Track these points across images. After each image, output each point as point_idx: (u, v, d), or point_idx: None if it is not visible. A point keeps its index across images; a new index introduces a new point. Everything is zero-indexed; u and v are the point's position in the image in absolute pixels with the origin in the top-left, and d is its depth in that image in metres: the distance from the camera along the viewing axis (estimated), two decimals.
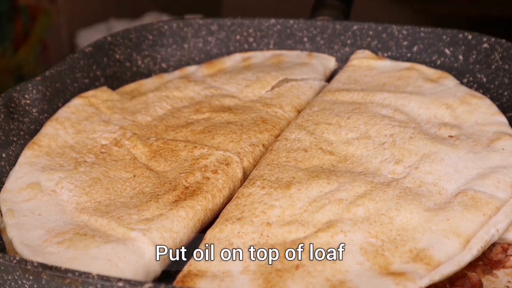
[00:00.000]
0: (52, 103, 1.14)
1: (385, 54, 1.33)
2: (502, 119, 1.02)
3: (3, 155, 1.01)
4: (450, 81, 1.16)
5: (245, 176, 0.97)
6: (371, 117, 1.03)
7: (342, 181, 0.87)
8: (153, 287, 0.63)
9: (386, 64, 1.25)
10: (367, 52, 1.30)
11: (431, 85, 1.14)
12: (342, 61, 1.35)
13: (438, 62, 1.30)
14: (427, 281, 0.71)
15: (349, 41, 1.36)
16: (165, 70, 1.38)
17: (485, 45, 1.23)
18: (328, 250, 0.76)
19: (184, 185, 0.91)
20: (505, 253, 0.81)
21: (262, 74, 1.22)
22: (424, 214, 0.80)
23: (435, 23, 1.39)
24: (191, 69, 1.32)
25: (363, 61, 1.26)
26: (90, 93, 1.17)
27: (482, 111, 1.04)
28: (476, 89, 1.21)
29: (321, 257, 0.75)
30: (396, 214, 0.80)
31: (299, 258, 0.75)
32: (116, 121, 1.10)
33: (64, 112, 1.11)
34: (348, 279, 0.72)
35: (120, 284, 0.64)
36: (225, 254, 0.77)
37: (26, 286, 0.67)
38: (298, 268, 0.74)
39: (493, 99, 1.15)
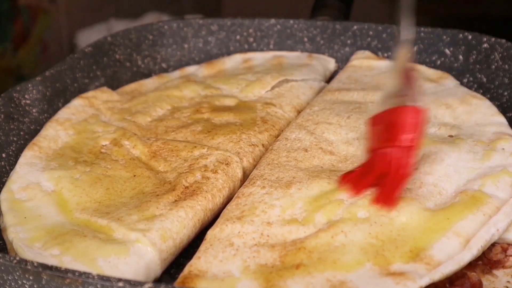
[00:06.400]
0: (52, 103, 1.14)
1: (385, 54, 1.33)
2: (502, 119, 1.02)
3: (3, 155, 1.01)
4: (450, 82, 1.16)
5: (245, 176, 0.97)
6: None
7: None
8: (153, 287, 0.63)
9: (387, 64, 1.25)
10: (367, 53, 1.31)
11: (431, 85, 1.14)
12: (342, 61, 1.35)
13: (438, 62, 1.30)
14: (427, 280, 0.71)
15: (349, 41, 1.36)
16: (165, 70, 1.38)
17: (485, 45, 1.23)
18: (329, 250, 0.76)
19: (184, 185, 0.91)
20: (505, 253, 0.81)
21: (262, 74, 1.23)
22: (424, 214, 0.80)
23: (435, 23, 1.38)
24: (191, 69, 1.32)
25: (364, 61, 1.26)
26: (91, 93, 1.17)
27: (482, 111, 1.04)
28: (476, 89, 1.21)
29: (321, 257, 0.75)
30: (396, 214, 0.80)
31: (300, 258, 0.75)
32: (116, 121, 1.10)
33: (64, 113, 1.11)
34: (349, 279, 0.72)
35: (120, 284, 0.64)
36: (226, 254, 0.77)
37: (26, 286, 0.67)
38: (298, 268, 0.74)
39: (493, 99, 1.15)
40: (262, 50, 1.40)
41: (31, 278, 0.66)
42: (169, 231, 0.83)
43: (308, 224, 0.81)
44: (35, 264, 0.66)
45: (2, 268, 0.68)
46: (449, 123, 1.02)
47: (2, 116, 1.04)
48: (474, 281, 0.77)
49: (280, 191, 0.87)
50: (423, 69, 1.21)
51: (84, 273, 0.65)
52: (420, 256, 0.74)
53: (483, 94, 1.17)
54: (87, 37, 2.19)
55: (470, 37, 1.26)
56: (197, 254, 0.79)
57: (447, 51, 1.29)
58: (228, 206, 0.87)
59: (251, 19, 1.41)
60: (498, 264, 0.81)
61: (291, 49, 1.39)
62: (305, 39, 1.39)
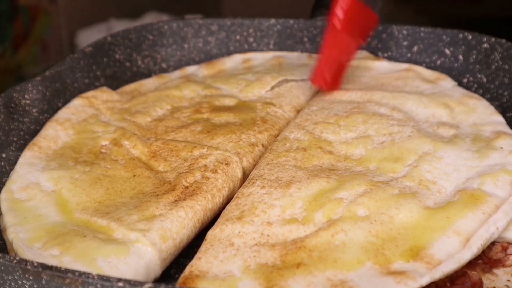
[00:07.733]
0: (52, 103, 1.15)
1: (385, 54, 1.34)
2: (500, 118, 1.02)
3: (3, 155, 1.01)
4: (447, 82, 1.16)
5: (245, 176, 0.97)
6: (369, 116, 1.03)
7: (342, 180, 0.87)
8: (153, 287, 0.63)
9: (384, 65, 1.25)
10: (365, 53, 1.31)
11: (429, 85, 1.14)
12: None
13: (438, 62, 1.30)
14: (427, 279, 0.71)
15: None
16: (165, 70, 1.38)
17: (485, 45, 1.23)
18: (329, 249, 0.76)
19: (183, 185, 0.91)
20: (505, 252, 0.81)
21: (262, 74, 1.23)
22: (424, 212, 0.80)
23: (435, 23, 1.38)
24: (191, 69, 1.32)
25: (361, 61, 1.26)
26: (90, 93, 1.17)
27: (479, 111, 1.04)
28: (476, 89, 1.21)
29: (322, 256, 0.75)
30: (396, 212, 0.80)
31: (300, 257, 0.75)
32: (116, 121, 1.10)
33: (64, 113, 1.11)
34: (349, 279, 0.72)
35: (120, 284, 0.64)
36: (226, 254, 0.77)
37: (26, 286, 0.67)
38: (299, 267, 0.74)
39: (493, 99, 1.15)
40: (262, 50, 1.40)
41: (31, 278, 0.67)
42: (169, 231, 0.83)
43: (308, 223, 0.81)
44: (35, 264, 0.66)
45: (2, 268, 0.68)
46: (447, 122, 1.02)
47: (2, 116, 1.04)
48: (474, 280, 0.77)
49: (280, 191, 0.87)
50: (420, 69, 1.21)
51: (84, 273, 0.65)
52: (421, 255, 0.74)
53: (483, 94, 1.17)
54: (87, 37, 2.19)
55: (470, 37, 1.26)
56: (198, 254, 0.79)
57: (447, 51, 1.29)
58: (228, 206, 0.87)
59: (251, 19, 1.41)
60: (498, 263, 0.81)
61: (291, 49, 1.39)
62: (305, 39, 1.39)
